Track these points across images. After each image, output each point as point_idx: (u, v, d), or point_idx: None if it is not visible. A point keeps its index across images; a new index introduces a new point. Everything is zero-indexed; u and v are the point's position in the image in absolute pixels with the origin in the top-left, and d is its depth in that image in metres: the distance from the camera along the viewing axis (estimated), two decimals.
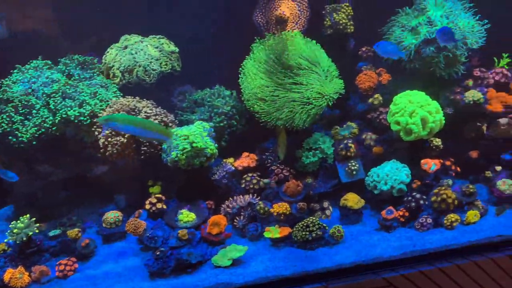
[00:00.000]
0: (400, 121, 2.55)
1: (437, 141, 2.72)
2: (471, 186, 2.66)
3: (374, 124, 2.83)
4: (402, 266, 2.38)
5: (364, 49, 2.94)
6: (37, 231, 2.23)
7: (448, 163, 2.79)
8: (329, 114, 2.93)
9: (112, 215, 2.48)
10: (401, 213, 2.61)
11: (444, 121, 2.62)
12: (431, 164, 2.64)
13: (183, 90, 2.72)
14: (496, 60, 2.87)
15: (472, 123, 2.83)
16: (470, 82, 2.73)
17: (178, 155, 2.37)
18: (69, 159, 2.57)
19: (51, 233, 2.38)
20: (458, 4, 2.68)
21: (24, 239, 2.18)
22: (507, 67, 2.84)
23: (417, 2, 2.68)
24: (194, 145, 2.37)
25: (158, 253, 2.24)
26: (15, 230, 2.18)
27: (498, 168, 2.76)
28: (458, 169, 2.81)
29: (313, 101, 2.55)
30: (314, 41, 2.67)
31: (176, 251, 2.29)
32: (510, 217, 2.65)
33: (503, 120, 2.77)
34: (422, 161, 2.65)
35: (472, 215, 2.60)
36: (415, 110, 2.52)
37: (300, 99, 2.54)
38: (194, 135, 2.38)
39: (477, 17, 2.72)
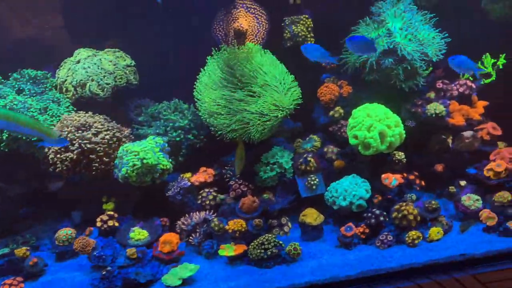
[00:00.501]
0: (358, 135, 2.48)
1: (400, 155, 2.65)
2: (433, 202, 2.57)
3: (336, 137, 2.76)
4: (360, 286, 2.30)
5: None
6: None
7: (412, 177, 2.71)
8: (292, 127, 2.86)
9: (64, 233, 2.41)
10: (361, 230, 2.53)
11: (404, 135, 2.54)
12: (391, 179, 2.56)
13: (141, 103, 2.66)
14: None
15: (437, 136, 2.75)
16: (432, 95, 2.65)
17: (128, 171, 2.30)
18: (25, 175, 2.50)
19: (0, 252, 2.31)
20: (418, 15, 2.61)
21: None
22: (471, 79, 2.76)
23: (376, 14, 2.62)
24: (145, 161, 2.31)
25: (104, 272, 2.17)
26: None
27: (463, 182, 2.68)
28: (423, 183, 2.73)
29: (269, 112, 2.48)
30: (270, 53, 2.60)
31: (124, 270, 2.22)
32: (475, 234, 2.56)
33: (467, 133, 2.69)
34: (383, 175, 2.58)
35: (435, 232, 2.51)
36: (373, 124, 2.45)
37: (256, 111, 2.47)
38: (145, 151, 2.32)
39: (437, 29, 2.66)
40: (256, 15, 2.64)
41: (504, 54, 2.67)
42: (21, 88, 2.42)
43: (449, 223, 2.59)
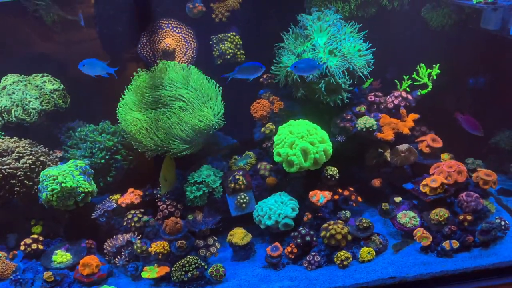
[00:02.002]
0: (281, 153, 2.38)
1: (333, 170, 2.53)
2: (364, 220, 2.44)
3: (270, 154, 2.66)
4: None
5: (265, 76, 2.79)
6: None
7: (346, 193, 2.58)
8: (228, 143, 2.78)
9: None
10: (289, 249, 2.41)
11: (330, 151, 2.42)
12: (319, 196, 2.44)
13: (71, 126, 2.64)
14: (398, 83, 2.65)
15: (373, 150, 2.61)
16: (363, 108, 2.52)
17: (48, 196, 2.28)
18: None
19: None
20: (346, 28, 2.48)
21: None
22: (408, 90, 2.61)
23: (302, 28, 2.51)
24: (63, 185, 2.28)
25: None
26: None
27: (398, 199, 2.54)
28: (359, 198, 2.60)
29: (191, 129, 2.40)
30: (195, 71, 2.53)
31: None
32: (409, 254, 2.41)
33: (402, 147, 2.54)
34: (311, 193, 2.47)
35: (366, 252, 2.38)
36: (295, 141, 2.35)
37: (177, 128, 2.39)
38: (64, 174, 2.30)
39: (369, 40, 2.53)
40: (183, 34, 2.59)
41: (438, 64, 2.51)
42: None
43: (383, 242, 2.45)
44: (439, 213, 2.40)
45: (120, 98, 2.55)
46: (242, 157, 2.75)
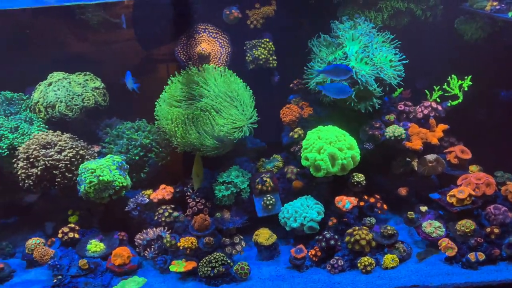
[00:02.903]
0: (309, 157, 2.41)
1: (359, 177, 2.54)
2: (389, 227, 2.44)
3: (297, 157, 2.70)
4: None
5: (295, 82, 2.84)
6: None
7: (372, 200, 2.58)
8: (257, 146, 2.83)
9: (33, 242, 2.53)
10: (313, 252, 2.44)
11: (358, 158, 2.44)
12: (345, 202, 2.45)
13: (109, 123, 2.75)
14: (428, 93, 2.63)
15: (401, 159, 2.60)
16: (392, 117, 2.53)
17: (86, 188, 2.39)
18: (2, 188, 2.65)
19: None
20: (376, 38, 2.50)
21: None
22: (439, 100, 2.59)
23: (335, 36, 2.54)
24: (101, 178, 2.38)
25: (55, 280, 2.26)
26: None
27: (423, 208, 2.52)
28: (385, 206, 2.60)
29: (226, 130, 2.46)
30: (229, 75, 2.60)
31: (76, 279, 2.29)
32: (433, 263, 2.39)
33: (430, 157, 2.53)
34: (336, 198, 2.49)
35: (389, 259, 2.38)
36: (323, 147, 2.37)
37: (212, 129, 2.46)
38: (101, 168, 2.40)
39: (403, 50, 2.54)
40: (219, 39, 2.66)
41: (470, 76, 2.48)
42: None
43: (408, 250, 2.44)
44: (466, 224, 2.38)
45: (157, 98, 2.65)
46: (270, 160, 2.80)
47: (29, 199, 2.73)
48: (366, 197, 2.58)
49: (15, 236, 2.82)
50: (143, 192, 2.63)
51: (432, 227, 2.45)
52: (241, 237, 2.56)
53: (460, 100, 2.55)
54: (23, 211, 2.80)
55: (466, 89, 2.50)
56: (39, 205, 2.76)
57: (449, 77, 2.57)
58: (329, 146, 2.38)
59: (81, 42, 2.73)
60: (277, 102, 2.82)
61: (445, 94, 2.61)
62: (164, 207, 2.57)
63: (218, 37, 2.66)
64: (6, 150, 2.46)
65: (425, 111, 2.56)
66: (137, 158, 2.59)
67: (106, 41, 2.75)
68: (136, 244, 2.55)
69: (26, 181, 2.44)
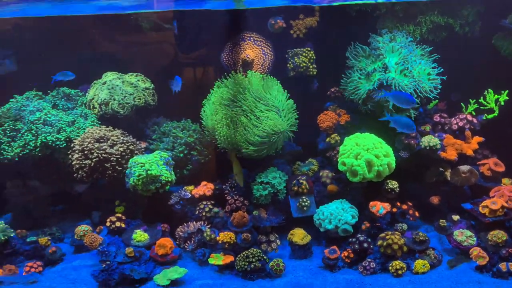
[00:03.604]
0: (346, 162, 2.49)
1: (393, 184, 2.60)
2: (421, 234, 2.49)
3: (332, 162, 2.78)
4: None
5: (332, 90, 2.92)
6: (12, 235, 2.51)
7: (405, 207, 2.63)
8: (293, 149, 2.92)
9: (81, 229, 2.68)
10: (346, 254, 2.50)
11: (394, 165, 2.50)
12: (379, 207, 2.52)
13: (156, 121, 2.89)
14: (464, 106, 2.68)
15: (434, 168, 2.65)
16: (428, 127, 2.58)
17: (135, 180, 2.52)
18: (55, 177, 2.82)
19: (29, 239, 2.63)
20: (415, 51, 2.57)
21: (1, 239, 2.45)
22: (474, 113, 2.63)
23: (374, 48, 2.62)
24: (149, 172, 2.51)
25: (104, 266, 2.39)
26: None
27: (456, 217, 2.55)
28: (417, 213, 2.64)
29: (266, 134, 2.56)
30: (272, 81, 2.70)
31: (122, 266, 2.42)
32: (463, 272, 2.43)
33: (464, 168, 2.57)
34: (371, 203, 2.55)
35: (420, 265, 2.42)
36: (360, 153, 2.45)
37: (254, 132, 2.56)
38: (150, 163, 2.53)
39: (439, 63, 2.60)
40: (262, 47, 2.77)
41: (507, 91, 2.52)
42: (56, 103, 2.77)
43: (438, 257, 2.48)
44: (498, 235, 2.40)
45: (201, 101, 2.79)
46: (305, 163, 2.88)
47: (79, 189, 2.89)
48: (398, 203, 2.63)
49: (63, 223, 2.99)
50: (185, 187, 2.75)
51: (464, 236, 2.49)
52: (277, 235, 2.65)
53: (495, 114, 2.59)
54: (72, 200, 2.96)
55: (502, 103, 2.54)
56: (87, 195, 2.91)
57: (486, 91, 2.62)
58: (366, 152, 2.45)
59: (132, 46, 2.89)
60: (314, 109, 2.91)
61: (481, 107, 2.65)
62: (205, 202, 2.69)
63: (262, 45, 2.78)
64: (63, 141, 2.62)
65: (460, 123, 2.61)
66: (181, 155, 2.71)
67: (156, 45, 2.90)
68: (177, 236, 2.67)
69: (80, 172, 2.60)
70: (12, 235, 2.53)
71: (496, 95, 2.59)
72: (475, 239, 2.49)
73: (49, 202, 2.94)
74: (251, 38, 2.77)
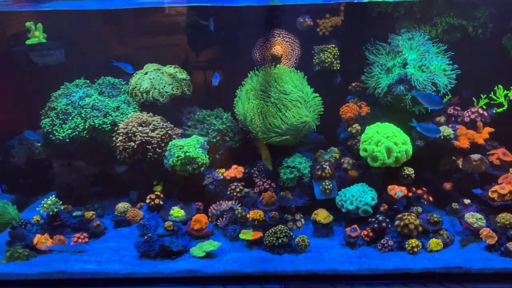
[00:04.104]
0: (367, 149, 2.69)
1: (409, 170, 2.79)
2: (435, 215, 2.68)
3: (353, 150, 2.98)
4: (358, 282, 2.46)
5: (353, 84, 3.13)
6: (62, 207, 2.74)
7: (420, 191, 2.83)
8: (316, 139, 3.12)
9: (122, 206, 2.90)
10: (365, 233, 2.70)
11: (411, 152, 2.70)
12: (396, 190, 2.71)
13: (191, 110, 3.12)
14: (475, 100, 2.88)
15: (448, 157, 2.85)
16: (442, 119, 2.78)
17: (174, 161, 2.74)
18: (98, 159, 3.05)
19: (74, 214, 2.85)
20: (432, 48, 2.77)
21: (54, 211, 2.68)
22: (485, 107, 2.84)
23: (394, 45, 2.83)
24: (187, 154, 2.73)
25: (145, 237, 2.60)
26: (45, 205, 2.69)
27: (467, 201, 2.75)
28: (431, 198, 2.84)
29: (293, 123, 2.77)
30: (299, 75, 2.91)
31: (162, 238, 2.63)
32: (474, 250, 2.62)
33: (475, 156, 2.76)
34: (389, 186, 2.75)
35: (434, 243, 2.61)
36: (381, 140, 2.65)
37: (282, 121, 2.78)
38: (188, 146, 2.75)
39: (455, 62, 2.81)
40: (290, 43, 2.99)
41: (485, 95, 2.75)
42: (102, 90, 3.00)
43: (451, 237, 2.67)
44: (506, 217, 2.60)
45: (232, 92, 3.01)
46: (327, 151, 3.09)
47: (118, 170, 3.11)
48: (414, 189, 2.83)
49: (102, 201, 3.21)
50: (217, 170, 2.97)
51: (474, 218, 2.68)
52: (301, 215, 2.86)
53: (504, 108, 2.79)
54: (112, 181, 3.18)
55: (511, 98, 2.74)
56: (126, 176, 3.14)
57: (496, 87, 2.82)
58: (386, 140, 2.66)
59: (174, 40, 3.13)
60: (336, 101, 3.12)
61: (491, 102, 2.86)
62: (235, 183, 2.90)
63: (290, 41, 3.00)
64: (109, 125, 2.85)
65: (472, 116, 2.81)
66: (214, 140, 2.93)
67: (193, 39, 3.14)
68: (210, 214, 2.89)
69: (123, 153, 2.83)
70: (62, 208, 2.76)
71: (505, 91, 2.79)
72: (484, 221, 2.68)
73: (91, 182, 3.17)
74: (281, 35, 2.99)
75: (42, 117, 2.89)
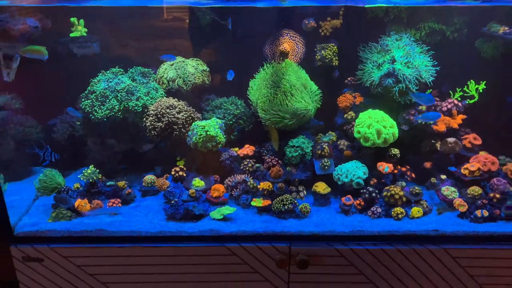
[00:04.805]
0: (360, 131, 3.13)
1: (395, 151, 3.23)
2: (417, 188, 3.11)
3: (348, 134, 3.42)
4: (352, 242, 2.87)
5: (349, 78, 3.56)
6: (99, 176, 3.12)
7: (404, 169, 3.27)
8: (316, 124, 3.56)
9: (149, 177, 3.29)
10: (358, 202, 3.13)
11: (397, 135, 3.14)
12: (384, 167, 3.16)
13: (209, 97, 3.54)
14: (452, 93, 3.35)
15: (428, 140, 3.30)
16: (424, 107, 3.24)
17: (197, 138, 3.15)
18: (127, 137, 3.44)
19: (108, 183, 3.24)
20: (416, 48, 3.24)
21: (92, 180, 3.07)
22: (459, 99, 3.30)
23: (384, 45, 3.28)
24: (208, 133, 3.14)
25: (173, 202, 3.00)
26: (85, 174, 3.08)
27: (443, 176, 3.19)
28: (413, 175, 3.27)
29: (298, 110, 3.21)
30: (303, 70, 3.36)
31: (186, 203, 3.04)
32: (448, 217, 3.06)
33: (451, 139, 3.22)
34: (378, 163, 3.18)
35: (416, 211, 3.05)
36: (372, 124, 3.09)
37: (289, 108, 3.21)
38: (209, 126, 3.16)
39: (433, 60, 3.27)
40: (296, 42, 3.43)
41: (485, 81, 3.20)
42: (134, 78, 3.40)
43: (429, 206, 3.11)
44: (475, 189, 3.05)
45: (244, 83, 3.43)
46: (326, 135, 3.52)
47: (145, 148, 3.50)
48: (399, 166, 3.28)
49: (129, 176, 3.59)
50: (232, 148, 3.39)
51: (449, 191, 3.13)
52: (304, 187, 3.29)
53: (476, 99, 3.26)
54: (139, 157, 3.57)
55: (481, 91, 3.22)
56: (151, 153, 3.53)
57: (469, 82, 3.29)
58: (376, 123, 3.10)
59: (193, 37, 3.56)
60: (334, 92, 3.56)
61: (465, 94, 3.32)
62: (248, 160, 3.32)
63: (296, 40, 3.44)
64: (140, 107, 3.25)
65: (449, 106, 3.27)
66: (230, 123, 3.35)
67: (213, 36, 3.56)
68: (225, 185, 3.29)
69: (152, 132, 3.23)
70: (99, 176, 3.15)
71: (476, 85, 3.27)
72: (457, 193, 3.13)
73: (120, 158, 3.55)
74: (288, 34, 3.43)
75: (83, 99, 3.27)
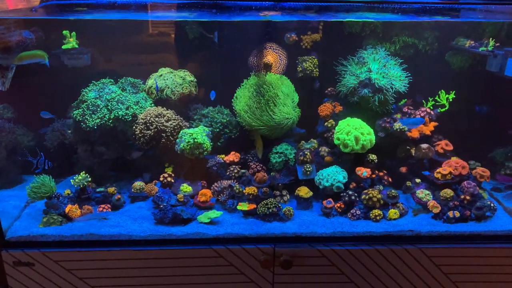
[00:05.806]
0: (340, 138, 3.25)
1: (373, 156, 3.35)
2: (393, 191, 3.23)
3: (328, 141, 3.53)
4: (333, 243, 2.96)
5: (329, 89, 3.68)
6: (89, 182, 3.15)
7: (381, 174, 3.39)
8: (299, 132, 3.67)
9: (138, 184, 3.34)
10: (338, 205, 3.23)
11: (374, 141, 3.26)
12: (363, 171, 3.27)
13: (196, 107, 3.62)
14: (425, 102, 3.51)
15: (403, 146, 3.44)
16: (399, 115, 3.38)
17: (184, 145, 3.22)
18: (116, 145, 3.49)
19: (98, 189, 3.27)
20: (390, 61, 3.40)
21: (84, 184, 3.10)
22: (431, 108, 3.46)
23: (361, 57, 3.43)
24: (196, 140, 3.21)
25: (161, 206, 3.05)
26: (76, 180, 3.11)
27: (418, 180, 3.32)
28: (390, 179, 3.39)
29: (281, 120, 3.32)
30: (287, 81, 3.48)
31: (174, 208, 3.09)
32: (423, 218, 3.18)
33: (424, 145, 3.36)
34: (357, 168, 3.29)
35: (392, 213, 3.16)
36: (350, 131, 3.21)
37: (272, 118, 3.32)
38: (197, 133, 3.24)
39: (406, 71, 3.43)
40: (279, 54, 3.55)
41: (454, 91, 3.38)
42: (124, 88, 3.46)
43: (405, 208, 3.22)
44: (447, 191, 3.18)
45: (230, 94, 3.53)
46: (308, 142, 3.62)
47: (134, 156, 3.55)
48: (377, 171, 3.40)
49: (118, 182, 3.62)
50: (218, 155, 3.46)
51: (423, 194, 3.26)
52: (287, 191, 3.37)
53: (446, 108, 3.42)
54: (127, 165, 3.62)
55: (451, 100, 3.39)
56: (140, 161, 3.57)
57: (440, 92, 3.46)
58: (355, 130, 3.22)
59: (181, 50, 3.65)
60: (315, 102, 3.68)
61: (436, 103, 3.48)
62: (234, 166, 3.40)
63: (279, 53, 3.56)
64: (130, 116, 3.30)
65: (422, 114, 3.42)
66: (216, 131, 3.43)
67: (199, 49, 3.66)
68: (212, 190, 3.35)
69: (141, 140, 3.28)
70: (89, 182, 3.19)
71: (447, 95, 3.43)
72: (431, 196, 3.25)
73: (109, 165, 3.59)
74: (271, 47, 3.55)
75: (74, 109, 3.32)
